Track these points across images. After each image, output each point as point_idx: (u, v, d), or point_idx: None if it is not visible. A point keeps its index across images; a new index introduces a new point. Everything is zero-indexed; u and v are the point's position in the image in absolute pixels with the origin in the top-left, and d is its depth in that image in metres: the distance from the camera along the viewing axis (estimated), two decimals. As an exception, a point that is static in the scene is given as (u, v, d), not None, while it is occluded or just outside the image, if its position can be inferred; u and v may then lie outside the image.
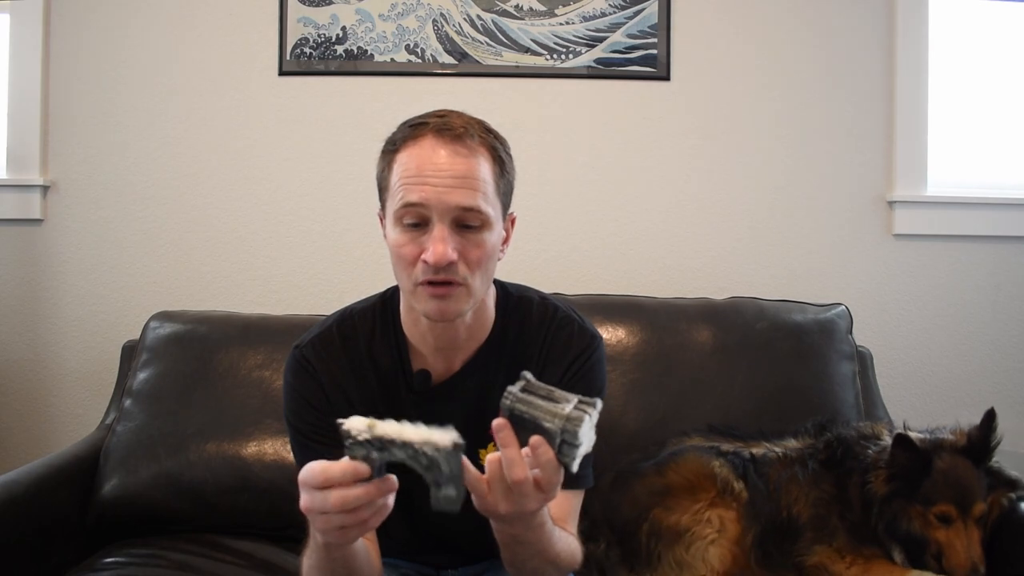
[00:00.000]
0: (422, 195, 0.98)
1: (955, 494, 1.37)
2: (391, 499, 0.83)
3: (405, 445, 0.79)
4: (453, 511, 0.81)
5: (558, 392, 0.83)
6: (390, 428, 0.79)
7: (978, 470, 1.41)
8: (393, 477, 0.82)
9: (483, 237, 1.01)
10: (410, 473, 0.81)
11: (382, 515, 0.83)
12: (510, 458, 0.82)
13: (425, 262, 0.98)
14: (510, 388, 0.83)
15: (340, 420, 0.80)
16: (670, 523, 1.46)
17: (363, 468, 0.79)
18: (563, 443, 0.80)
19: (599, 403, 0.83)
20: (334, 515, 0.81)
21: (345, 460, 0.80)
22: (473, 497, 0.87)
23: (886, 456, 1.43)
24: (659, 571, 1.44)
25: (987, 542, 1.37)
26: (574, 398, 0.83)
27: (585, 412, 0.81)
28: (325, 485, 0.80)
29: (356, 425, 0.79)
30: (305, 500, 0.82)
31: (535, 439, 0.81)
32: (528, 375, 0.85)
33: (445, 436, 0.79)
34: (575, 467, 0.82)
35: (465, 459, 0.82)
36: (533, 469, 0.83)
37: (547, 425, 0.80)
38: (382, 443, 0.79)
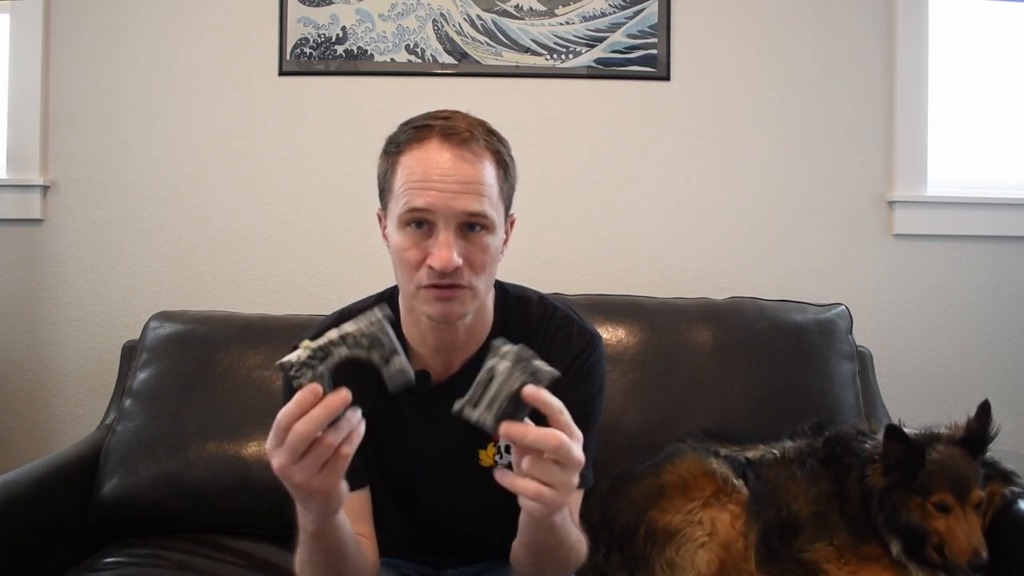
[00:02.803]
0: (427, 200, 0.98)
1: (951, 483, 1.37)
2: (360, 426, 0.83)
3: (342, 338, 0.80)
4: (410, 381, 0.83)
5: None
6: (319, 340, 0.81)
7: (974, 460, 1.42)
8: (344, 391, 0.81)
9: (487, 241, 1.02)
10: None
11: (353, 441, 0.83)
12: (532, 440, 0.82)
13: (431, 267, 0.98)
14: (476, 413, 0.83)
15: (280, 363, 0.81)
16: (664, 524, 1.47)
17: (315, 387, 0.80)
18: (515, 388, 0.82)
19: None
20: (309, 458, 0.80)
21: (296, 393, 0.80)
22: (523, 501, 0.86)
23: (882, 449, 1.44)
24: (653, 573, 1.44)
25: (986, 533, 1.38)
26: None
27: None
28: (289, 424, 0.80)
29: (293, 355, 0.81)
30: (277, 460, 0.82)
31: (506, 427, 0.82)
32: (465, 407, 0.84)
33: (373, 312, 0.82)
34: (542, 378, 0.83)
35: (503, 472, 0.84)
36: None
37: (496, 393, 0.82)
38: (323, 350, 0.80)
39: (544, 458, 0.83)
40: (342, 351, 0.81)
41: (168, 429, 1.68)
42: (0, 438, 2.14)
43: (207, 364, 1.75)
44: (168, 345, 1.80)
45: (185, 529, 1.62)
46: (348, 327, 0.82)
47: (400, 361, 0.82)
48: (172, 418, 1.70)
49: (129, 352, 1.88)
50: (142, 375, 1.77)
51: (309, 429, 0.79)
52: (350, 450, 0.83)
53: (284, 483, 0.84)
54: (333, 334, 0.81)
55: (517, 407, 0.82)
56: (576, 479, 0.85)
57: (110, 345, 2.04)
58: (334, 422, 0.81)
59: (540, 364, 0.83)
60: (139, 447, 1.67)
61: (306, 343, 0.81)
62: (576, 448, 0.83)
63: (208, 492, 1.63)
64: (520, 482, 0.83)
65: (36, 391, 2.15)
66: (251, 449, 1.66)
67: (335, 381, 0.83)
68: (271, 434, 0.82)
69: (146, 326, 1.85)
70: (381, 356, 0.81)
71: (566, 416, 0.84)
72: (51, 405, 2.15)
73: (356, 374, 1.11)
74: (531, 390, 0.82)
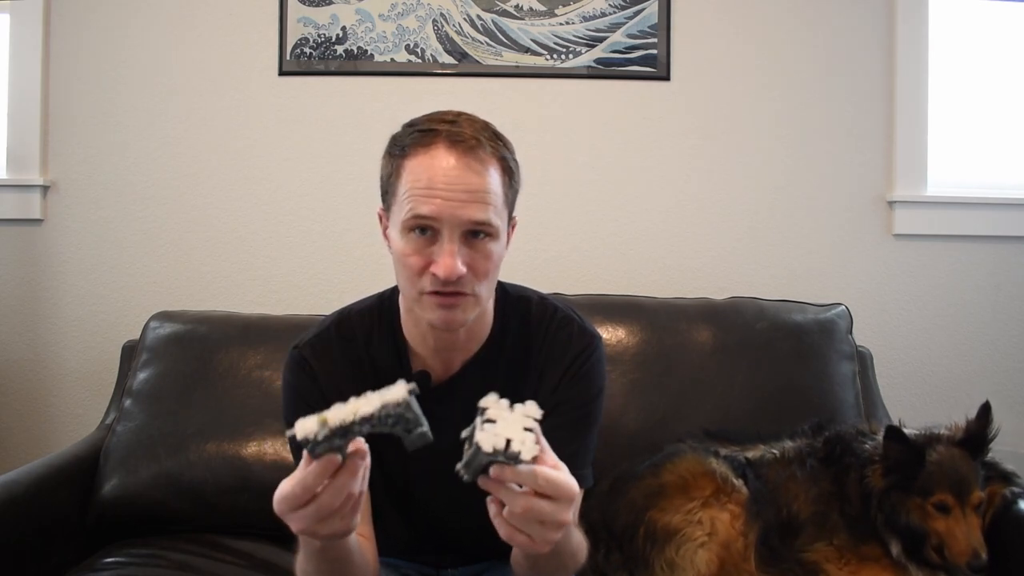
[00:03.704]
0: (432, 208, 0.97)
1: (951, 483, 1.38)
2: (367, 459, 0.81)
3: (364, 420, 0.77)
4: (429, 443, 0.80)
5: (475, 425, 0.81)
6: (343, 411, 0.77)
7: (974, 461, 1.42)
8: (361, 444, 0.79)
9: (491, 248, 1.01)
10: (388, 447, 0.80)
11: (365, 480, 0.81)
12: (506, 498, 0.80)
13: (434, 274, 0.98)
14: (458, 466, 0.81)
15: (288, 432, 0.78)
16: (663, 524, 1.47)
17: (334, 459, 0.78)
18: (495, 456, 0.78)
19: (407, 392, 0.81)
20: (330, 517, 0.80)
21: (313, 463, 0.78)
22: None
23: (881, 450, 1.44)
24: (652, 573, 1.44)
25: (986, 534, 1.38)
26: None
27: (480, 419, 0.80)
28: (310, 498, 0.78)
29: (308, 427, 0.76)
30: (297, 523, 0.80)
31: (493, 471, 0.79)
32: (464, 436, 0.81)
33: (397, 390, 0.78)
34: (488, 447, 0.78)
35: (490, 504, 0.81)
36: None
37: (484, 447, 0.78)
38: (343, 430, 0.77)
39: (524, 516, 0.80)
40: (364, 429, 0.78)
41: (168, 429, 1.68)
42: (0, 438, 2.14)
43: (207, 364, 1.75)
44: (168, 345, 1.80)
45: (185, 529, 1.61)
46: (371, 407, 0.77)
47: (422, 430, 0.79)
48: (172, 418, 1.70)
49: (129, 352, 1.88)
50: (142, 375, 1.77)
51: (337, 499, 0.78)
52: (364, 488, 0.82)
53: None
54: (354, 411, 0.77)
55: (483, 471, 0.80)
56: (557, 535, 0.82)
57: (110, 345, 2.04)
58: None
59: (518, 445, 0.78)
60: (139, 447, 1.67)
61: (324, 418, 0.77)
62: (555, 508, 0.79)
63: (208, 492, 1.63)
64: (498, 520, 0.82)
65: (36, 391, 2.15)
66: (251, 449, 1.66)
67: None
68: (284, 500, 0.79)
69: (146, 326, 1.85)
70: (405, 429, 0.79)
71: (542, 477, 0.79)
72: (51, 405, 2.15)
73: (357, 376, 1.11)
74: (497, 472, 0.78)
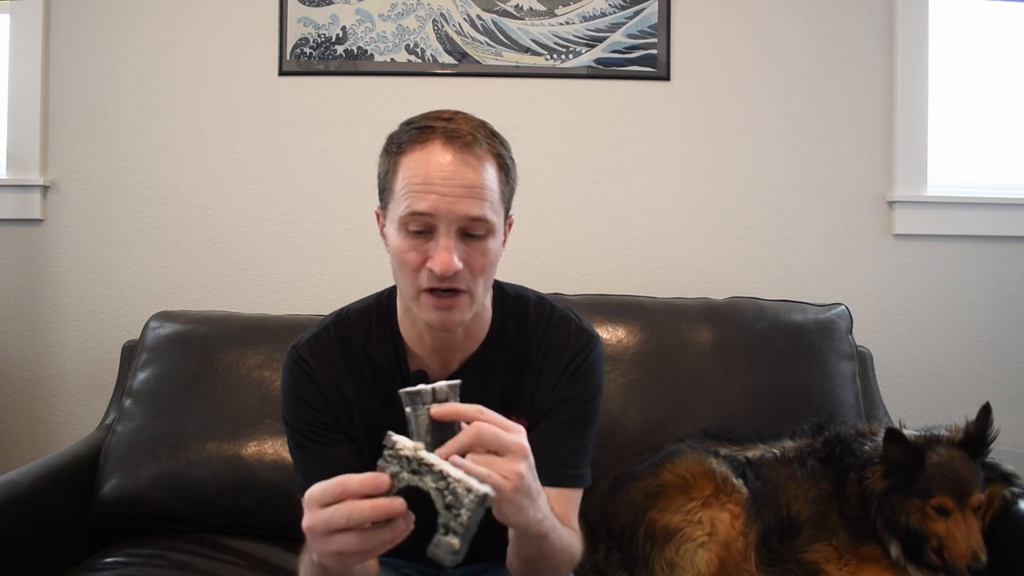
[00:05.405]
0: (429, 204, 0.97)
1: (951, 486, 1.38)
2: (398, 533, 0.80)
3: (441, 475, 0.78)
4: (445, 564, 0.79)
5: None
6: (433, 456, 0.79)
7: (975, 463, 1.42)
8: (411, 518, 0.79)
9: (487, 245, 1.01)
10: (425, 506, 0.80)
11: (383, 548, 0.80)
12: (459, 438, 0.83)
13: (430, 271, 0.98)
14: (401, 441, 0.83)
15: (390, 432, 0.80)
16: (663, 523, 1.47)
17: (384, 479, 0.78)
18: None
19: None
20: (337, 535, 0.78)
21: (367, 473, 0.79)
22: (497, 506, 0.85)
23: (881, 452, 1.44)
24: (652, 572, 1.44)
25: (986, 535, 1.38)
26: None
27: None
28: (341, 497, 0.78)
29: (404, 442, 0.79)
30: (309, 519, 0.80)
31: (437, 410, 0.84)
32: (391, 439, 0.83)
33: (484, 487, 0.78)
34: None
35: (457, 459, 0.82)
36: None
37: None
38: (420, 465, 0.78)
39: (482, 452, 0.83)
40: (430, 483, 0.78)
41: (168, 429, 1.68)
42: (0, 438, 2.14)
43: (207, 364, 1.75)
44: (168, 345, 1.80)
45: (185, 529, 1.62)
46: (453, 471, 0.79)
47: (455, 545, 0.78)
48: (172, 418, 1.70)
49: (129, 352, 1.88)
50: (142, 375, 1.77)
51: (347, 516, 0.77)
52: (375, 554, 0.81)
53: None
54: (439, 463, 0.79)
55: (443, 430, 0.83)
56: (521, 466, 0.83)
57: (110, 345, 2.04)
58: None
59: (430, 387, 0.84)
60: (139, 447, 1.67)
61: (419, 446, 0.79)
62: (504, 434, 0.83)
63: (208, 492, 1.63)
64: (474, 468, 0.81)
65: (36, 391, 2.15)
66: (251, 449, 1.66)
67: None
68: (319, 487, 0.80)
69: (146, 326, 1.85)
70: (447, 521, 0.78)
71: (487, 413, 0.84)
72: (51, 405, 2.15)
73: (356, 375, 1.11)
74: (437, 411, 0.83)
